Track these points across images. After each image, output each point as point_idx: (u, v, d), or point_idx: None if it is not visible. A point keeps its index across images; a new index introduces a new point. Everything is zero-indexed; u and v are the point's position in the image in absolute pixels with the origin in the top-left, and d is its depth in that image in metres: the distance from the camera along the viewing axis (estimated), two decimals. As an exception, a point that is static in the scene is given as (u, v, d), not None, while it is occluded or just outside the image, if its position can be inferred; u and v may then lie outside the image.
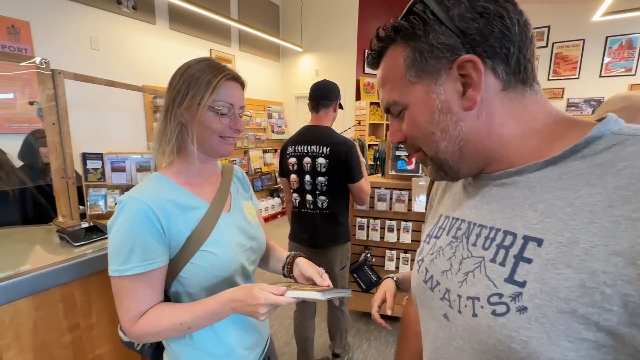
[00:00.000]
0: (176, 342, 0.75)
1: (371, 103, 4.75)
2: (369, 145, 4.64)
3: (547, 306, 0.31)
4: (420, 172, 2.13)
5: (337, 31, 5.00)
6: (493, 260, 0.37)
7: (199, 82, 0.69)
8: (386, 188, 2.15)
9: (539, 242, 0.33)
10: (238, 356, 0.77)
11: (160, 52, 3.68)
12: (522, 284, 0.33)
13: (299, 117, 5.68)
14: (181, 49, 3.92)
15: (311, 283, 0.77)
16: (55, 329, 1.09)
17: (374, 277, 2.14)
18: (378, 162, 2.47)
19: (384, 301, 0.80)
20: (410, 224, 2.12)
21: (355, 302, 2.32)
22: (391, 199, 2.14)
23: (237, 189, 0.87)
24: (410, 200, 2.12)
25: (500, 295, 0.34)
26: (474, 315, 0.37)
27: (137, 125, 3.54)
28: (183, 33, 3.95)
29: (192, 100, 0.69)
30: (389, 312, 0.77)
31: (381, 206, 2.15)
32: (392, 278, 0.85)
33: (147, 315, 0.66)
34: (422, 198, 2.05)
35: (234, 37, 4.70)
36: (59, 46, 2.83)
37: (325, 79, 1.71)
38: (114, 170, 1.52)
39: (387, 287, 0.82)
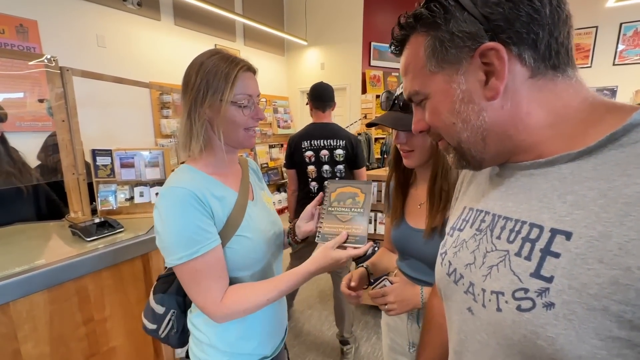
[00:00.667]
0: (206, 324, 0.79)
1: (377, 96, 4.70)
2: (375, 139, 4.61)
3: (576, 303, 0.29)
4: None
5: (342, 24, 4.94)
6: (518, 254, 0.36)
7: (216, 78, 0.70)
8: (393, 181, 2.15)
9: (568, 235, 0.32)
10: (263, 339, 0.83)
11: (165, 48, 3.69)
12: (549, 279, 0.32)
13: (304, 111, 5.65)
14: (186, 45, 3.93)
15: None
16: (71, 321, 1.12)
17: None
18: (385, 156, 2.46)
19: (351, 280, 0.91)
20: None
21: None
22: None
23: (255, 179, 0.92)
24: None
25: (526, 291, 0.33)
26: (498, 310, 0.36)
27: (145, 122, 3.57)
28: (188, 29, 3.95)
29: (213, 98, 0.70)
30: (353, 284, 0.90)
31: (388, 200, 2.15)
32: (363, 266, 0.96)
33: (231, 295, 0.70)
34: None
35: (238, 31, 4.69)
36: (66, 44, 2.86)
37: (322, 82, 2.05)
38: (123, 166, 1.54)
39: (357, 271, 0.94)
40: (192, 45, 4.00)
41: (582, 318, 0.29)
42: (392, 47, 0.47)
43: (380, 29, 4.85)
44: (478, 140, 0.40)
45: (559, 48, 0.36)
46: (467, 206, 0.50)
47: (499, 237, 0.39)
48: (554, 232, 0.33)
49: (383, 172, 2.29)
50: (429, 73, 0.41)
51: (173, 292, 0.85)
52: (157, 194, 1.64)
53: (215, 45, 4.33)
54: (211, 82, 0.70)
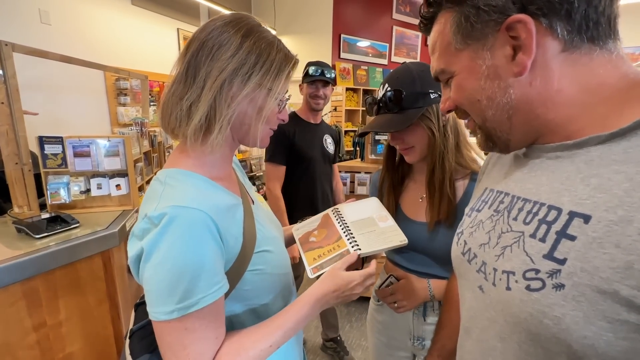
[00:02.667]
0: None
1: (347, 89, 4.72)
2: (345, 132, 4.63)
3: (586, 285, 0.29)
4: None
5: (312, 14, 4.87)
6: (533, 236, 0.35)
7: (269, 61, 0.55)
8: (366, 172, 2.16)
9: (586, 218, 0.31)
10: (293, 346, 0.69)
11: (122, 31, 3.39)
12: (562, 261, 0.31)
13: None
14: (145, 28, 3.64)
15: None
16: (18, 328, 1.00)
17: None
18: (357, 147, 2.49)
19: None
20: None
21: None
22: (372, 181, 2.16)
23: (240, 175, 0.77)
24: (389, 184, 2.15)
25: (537, 271, 0.33)
26: (508, 288, 0.36)
27: (99, 109, 3.28)
28: (147, 10, 3.66)
29: (258, 83, 0.54)
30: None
31: (361, 190, 2.17)
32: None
33: (224, 356, 0.51)
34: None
35: (203, 15, 4.44)
36: (2, 19, 2.52)
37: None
38: (76, 155, 1.39)
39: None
40: (152, 28, 3.72)
41: (591, 300, 0.29)
42: (421, 26, 0.45)
43: (350, 22, 4.85)
44: (504, 119, 0.39)
45: (598, 18, 0.33)
46: (488, 187, 0.49)
47: (515, 219, 0.39)
48: (572, 214, 0.32)
49: (356, 163, 2.31)
50: (455, 51, 0.40)
51: None
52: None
53: (178, 29, 4.07)
54: (261, 61, 0.54)
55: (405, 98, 0.74)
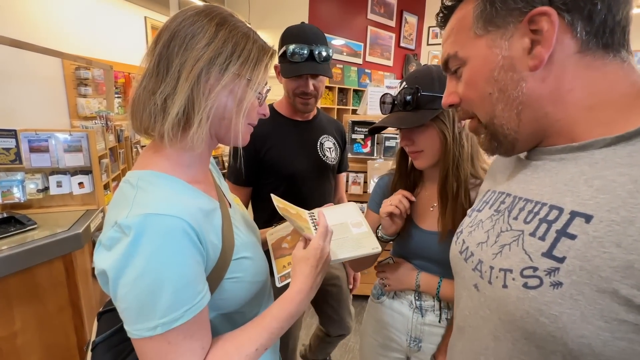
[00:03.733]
0: None
1: (322, 87, 4.71)
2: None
3: (585, 284, 0.29)
4: (375, 155, 2.18)
5: (287, 10, 4.80)
6: (533, 234, 0.35)
7: (246, 51, 0.51)
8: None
9: (588, 218, 0.31)
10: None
11: (82, 17, 3.14)
12: (561, 260, 0.31)
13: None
14: (109, 13, 3.41)
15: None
16: (-35, 342, 0.90)
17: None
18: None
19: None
20: (365, 205, 2.18)
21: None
22: (347, 181, 2.17)
23: (219, 179, 0.72)
24: (365, 182, 2.17)
25: (535, 269, 0.33)
26: (504, 286, 0.36)
27: (57, 101, 3.02)
28: (111, -5, 3.43)
29: (236, 73, 0.51)
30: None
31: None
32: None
33: None
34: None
35: (172, 5, 4.23)
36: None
37: None
38: (33, 150, 1.27)
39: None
40: (116, 15, 3.49)
41: (590, 299, 0.29)
42: (440, 16, 0.45)
43: (325, 19, 4.84)
44: (512, 115, 0.38)
45: (614, 26, 0.34)
46: (491, 189, 0.49)
47: (515, 218, 0.39)
48: (574, 214, 0.32)
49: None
50: (473, 36, 0.39)
51: None
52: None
53: (145, 17, 3.85)
54: (238, 50, 0.51)
55: (421, 97, 0.72)
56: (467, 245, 0.46)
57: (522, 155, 0.44)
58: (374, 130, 0.82)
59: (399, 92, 0.76)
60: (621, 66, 0.35)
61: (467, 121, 0.47)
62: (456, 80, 0.44)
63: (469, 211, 0.53)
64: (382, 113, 0.81)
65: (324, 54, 0.98)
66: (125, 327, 0.45)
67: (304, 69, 0.96)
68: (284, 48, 0.98)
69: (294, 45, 0.96)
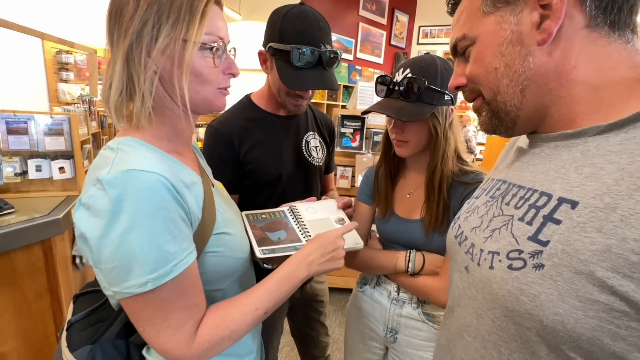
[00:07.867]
0: None
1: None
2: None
3: (564, 266, 0.31)
4: (363, 149, 2.20)
5: (279, 2, 4.75)
6: (521, 219, 0.37)
7: (174, 6, 0.48)
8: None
9: (574, 204, 0.32)
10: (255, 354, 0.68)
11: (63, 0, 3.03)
12: (545, 243, 0.33)
13: (239, 91, 5.34)
14: (94, 4, 3.29)
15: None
16: (-64, 327, 0.87)
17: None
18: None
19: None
20: (353, 199, 2.21)
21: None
22: (335, 175, 2.19)
23: (203, 163, 0.72)
24: (353, 176, 2.19)
25: (520, 252, 0.35)
26: (491, 267, 0.38)
27: (36, 84, 2.91)
28: (95, -23, 3.31)
29: (169, 36, 0.48)
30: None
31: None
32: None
33: (209, 321, 0.51)
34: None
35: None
36: None
37: None
38: (10, 132, 1.22)
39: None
40: (102, 5, 3.37)
41: (567, 280, 0.30)
42: (452, 3, 0.45)
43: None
44: (516, 91, 0.39)
45: (622, 5, 0.35)
46: (490, 177, 0.51)
47: (507, 204, 0.40)
48: (561, 200, 0.34)
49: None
50: (482, 14, 0.40)
51: (110, 338, 0.54)
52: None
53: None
54: (165, 12, 0.47)
55: (425, 90, 0.71)
56: (462, 230, 0.48)
57: (524, 144, 0.46)
58: (368, 112, 0.81)
59: (402, 80, 0.74)
60: (625, 47, 0.35)
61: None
62: (464, 63, 0.45)
63: (467, 200, 0.55)
64: (376, 94, 0.79)
65: (332, 57, 0.84)
66: (113, 289, 0.45)
67: (311, 81, 0.82)
68: (286, 47, 0.80)
69: (300, 47, 0.79)
